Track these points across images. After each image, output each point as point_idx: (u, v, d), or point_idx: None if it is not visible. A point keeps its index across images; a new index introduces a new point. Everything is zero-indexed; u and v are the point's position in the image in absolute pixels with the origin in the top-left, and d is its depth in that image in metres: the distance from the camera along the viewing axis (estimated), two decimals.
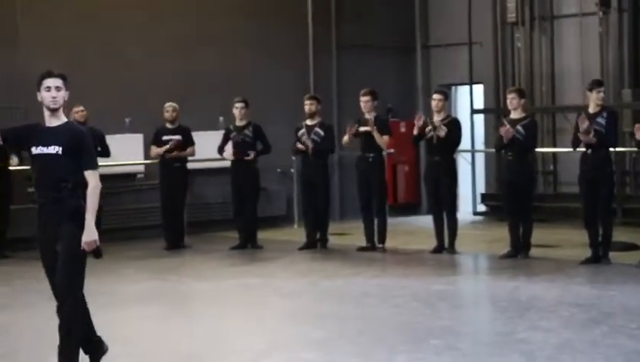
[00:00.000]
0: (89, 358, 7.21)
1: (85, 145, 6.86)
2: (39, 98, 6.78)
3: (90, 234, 6.67)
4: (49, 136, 6.75)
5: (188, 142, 14.55)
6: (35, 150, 6.76)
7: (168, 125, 14.54)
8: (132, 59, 15.73)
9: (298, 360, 7.68)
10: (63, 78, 6.79)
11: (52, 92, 6.71)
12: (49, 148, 6.69)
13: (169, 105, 14.52)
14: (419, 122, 13.33)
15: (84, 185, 6.79)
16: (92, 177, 6.77)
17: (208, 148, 14.71)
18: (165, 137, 14.49)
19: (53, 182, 6.72)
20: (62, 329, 6.80)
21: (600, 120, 11.81)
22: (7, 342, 8.78)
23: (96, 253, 6.77)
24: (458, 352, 7.86)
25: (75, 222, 6.67)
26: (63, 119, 6.86)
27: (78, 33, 15.33)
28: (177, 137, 14.45)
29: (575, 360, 7.40)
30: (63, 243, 6.68)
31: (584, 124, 11.66)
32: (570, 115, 15.18)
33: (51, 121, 6.80)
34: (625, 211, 14.17)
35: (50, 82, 6.73)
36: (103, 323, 9.51)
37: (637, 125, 11.69)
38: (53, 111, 6.76)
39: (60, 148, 6.68)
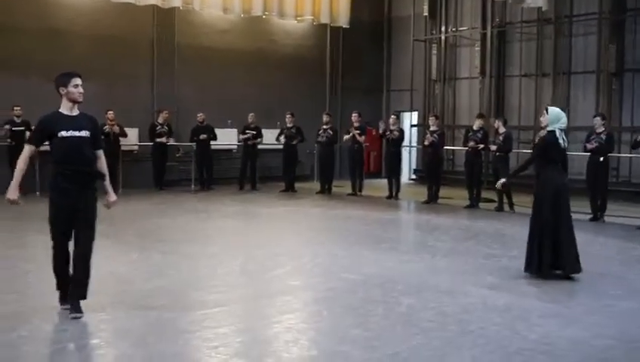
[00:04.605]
0: (62, 291, 4.96)
1: (99, 130, 5.17)
2: (62, 92, 4.84)
3: (114, 196, 5.10)
4: (77, 122, 4.85)
5: (258, 134, 14.26)
6: (65, 133, 4.77)
7: (250, 125, 14.25)
8: (233, 89, 15.34)
9: (312, 251, 7.55)
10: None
11: (79, 88, 4.84)
12: (81, 132, 4.80)
13: (251, 114, 14.25)
14: (381, 128, 13.32)
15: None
16: (102, 154, 5.03)
17: (271, 137, 14.41)
18: (247, 131, 14.19)
19: (85, 157, 4.82)
20: (80, 262, 4.81)
21: (478, 134, 11.64)
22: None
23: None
24: (397, 251, 7.78)
25: (94, 189, 4.91)
26: (78, 110, 4.91)
27: (204, 72, 14.97)
28: (253, 132, 14.18)
29: (457, 256, 7.31)
30: (88, 204, 4.82)
31: (471, 141, 11.64)
32: (462, 129, 14.83)
33: (72, 111, 4.86)
34: (489, 181, 13.93)
35: (79, 81, 4.85)
36: (212, 227, 9.52)
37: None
38: (77, 103, 4.88)
39: (89, 133, 4.84)
